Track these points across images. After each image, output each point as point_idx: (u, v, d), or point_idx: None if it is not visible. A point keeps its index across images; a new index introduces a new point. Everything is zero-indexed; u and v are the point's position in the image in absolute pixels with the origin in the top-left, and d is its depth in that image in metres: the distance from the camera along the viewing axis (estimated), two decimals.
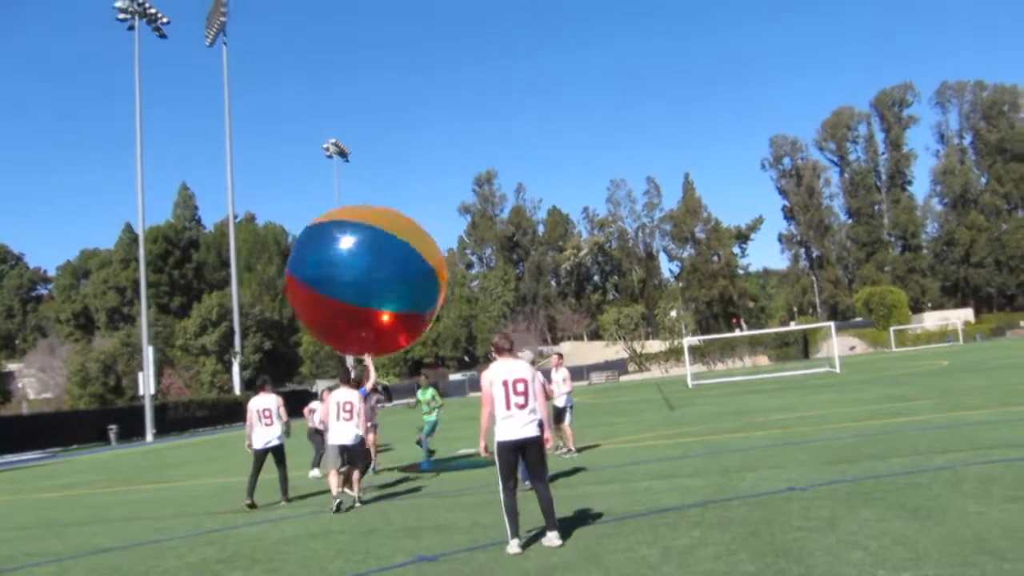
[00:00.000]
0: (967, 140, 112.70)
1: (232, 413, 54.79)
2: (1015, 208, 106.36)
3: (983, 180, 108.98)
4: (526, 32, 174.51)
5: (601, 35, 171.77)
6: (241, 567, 7.86)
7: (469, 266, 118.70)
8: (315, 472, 15.69)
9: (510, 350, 7.86)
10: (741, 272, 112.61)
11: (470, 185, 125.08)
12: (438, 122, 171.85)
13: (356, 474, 11.37)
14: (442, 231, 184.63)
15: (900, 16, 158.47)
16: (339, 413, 11.47)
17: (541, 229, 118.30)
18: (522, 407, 7.43)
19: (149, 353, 47.08)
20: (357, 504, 11.11)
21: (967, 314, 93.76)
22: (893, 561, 5.77)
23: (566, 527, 8.02)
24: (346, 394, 11.65)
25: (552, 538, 7.38)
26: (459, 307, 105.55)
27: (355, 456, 11.45)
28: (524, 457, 7.53)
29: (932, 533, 6.48)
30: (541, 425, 7.52)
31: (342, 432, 11.44)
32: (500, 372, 7.61)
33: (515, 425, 7.41)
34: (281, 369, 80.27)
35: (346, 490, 11.35)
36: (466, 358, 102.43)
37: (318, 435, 15.48)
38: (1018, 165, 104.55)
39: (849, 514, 7.54)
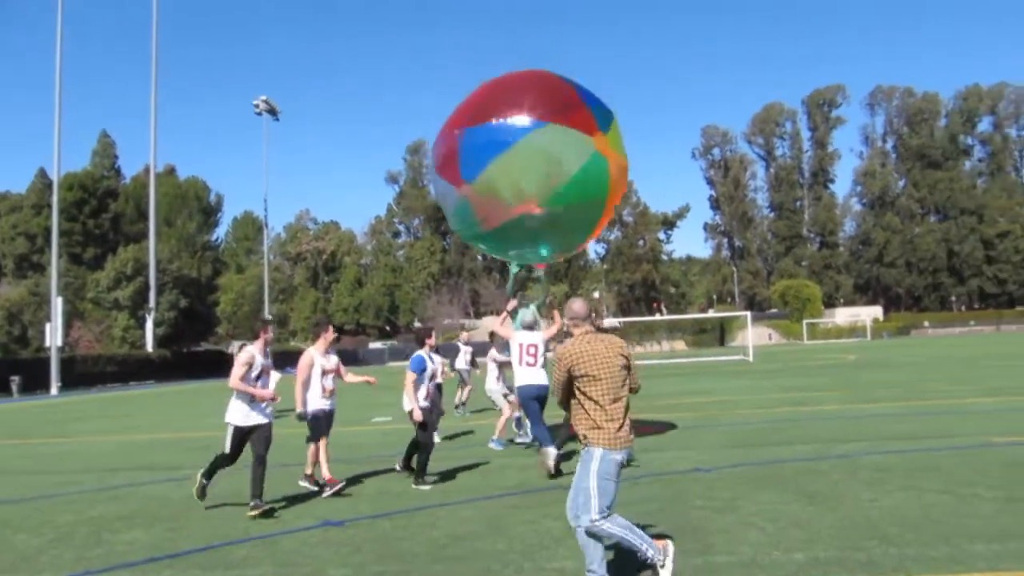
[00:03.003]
0: (890, 144, 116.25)
1: (143, 370, 53.37)
2: (928, 213, 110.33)
3: (901, 184, 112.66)
4: (464, 4, 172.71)
5: (542, 11, 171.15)
6: (141, 525, 7.68)
7: (396, 235, 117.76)
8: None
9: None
10: (665, 258, 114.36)
11: (400, 153, 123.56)
12: (371, 88, 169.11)
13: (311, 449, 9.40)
14: (369, 199, 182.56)
15: (837, 18, 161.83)
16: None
17: None
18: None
19: (58, 304, 45.47)
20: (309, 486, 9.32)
21: (876, 312, 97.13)
22: (787, 542, 5.96)
23: (477, 499, 8.08)
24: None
25: None
26: (383, 276, 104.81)
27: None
28: None
29: (827, 517, 6.71)
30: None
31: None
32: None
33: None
34: (196, 329, 78.47)
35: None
36: (387, 327, 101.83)
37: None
38: (934, 172, 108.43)
39: (750, 496, 7.75)
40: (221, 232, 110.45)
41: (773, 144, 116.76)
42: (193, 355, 64.66)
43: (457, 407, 17.79)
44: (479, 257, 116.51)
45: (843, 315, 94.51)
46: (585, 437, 5.04)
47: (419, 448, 9.30)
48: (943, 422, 12.86)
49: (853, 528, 6.29)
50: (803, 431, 12.41)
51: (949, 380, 21.93)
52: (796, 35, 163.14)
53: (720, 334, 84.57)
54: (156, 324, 61.15)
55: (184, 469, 11.13)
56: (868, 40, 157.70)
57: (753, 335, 54.84)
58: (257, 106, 70.92)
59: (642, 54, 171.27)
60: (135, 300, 70.17)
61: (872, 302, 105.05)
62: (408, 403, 9.21)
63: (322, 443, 9.07)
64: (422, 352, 9.50)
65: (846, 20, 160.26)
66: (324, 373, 9.03)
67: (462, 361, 17.77)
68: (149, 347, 59.08)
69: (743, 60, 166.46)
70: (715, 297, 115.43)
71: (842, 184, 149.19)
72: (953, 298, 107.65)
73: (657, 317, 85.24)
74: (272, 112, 72.02)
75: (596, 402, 5.02)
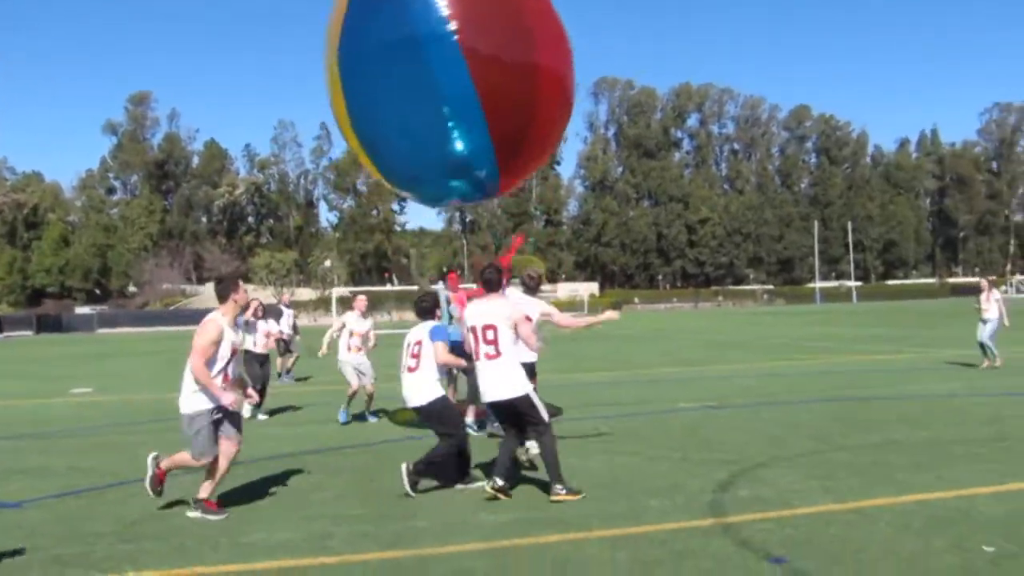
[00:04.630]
0: (611, 132, 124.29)
1: None
2: (642, 198, 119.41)
3: (620, 170, 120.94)
4: None
5: None
6: None
7: (110, 191, 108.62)
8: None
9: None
10: (398, 229, 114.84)
11: (120, 103, 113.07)
12: (88, 30, 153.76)
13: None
14: (80, 150, 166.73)
15: (572, 7, 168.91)
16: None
17: (196, 161, 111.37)
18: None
19: None
20: None
21: (593, 287, 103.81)
22: (490, 505, 6.22)
23: (181, 472, 7.66)
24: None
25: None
26: (94, 235, 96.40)
27: None
28: None
29: (527, 481, 7.07)
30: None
31: None
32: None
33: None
34: None
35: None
36: (97, 291, 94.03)
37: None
38: (648, 161, 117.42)
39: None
40: None
41: None
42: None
43: (280, 375, 16.76)
44: (203, 219, 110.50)
45: (564, 290, 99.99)
46: None
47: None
48: (640, 390, 14.03)
49: (549, 489, 6.67)
50: None
51: (650, 352, 23.93)
52: None
53: (447, 305, 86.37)
54: None
55: None
56: (596, 32, 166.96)
57: None
58: None
59: None
60: None
61: (590, 278, 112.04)
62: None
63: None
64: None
65: (581, 9, 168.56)
66: (232, 354, 6.34)
67: (285, 325, 16.29)
68: None
69: None
70: (445, 269, 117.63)
71: (567, 166, 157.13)
72: (660, 277, 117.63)
73: (388, 287, 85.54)
74: None
75: None
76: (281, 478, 7.38)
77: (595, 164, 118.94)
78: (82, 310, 78.60)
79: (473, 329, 6.66)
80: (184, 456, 6.32)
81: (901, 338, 25.44)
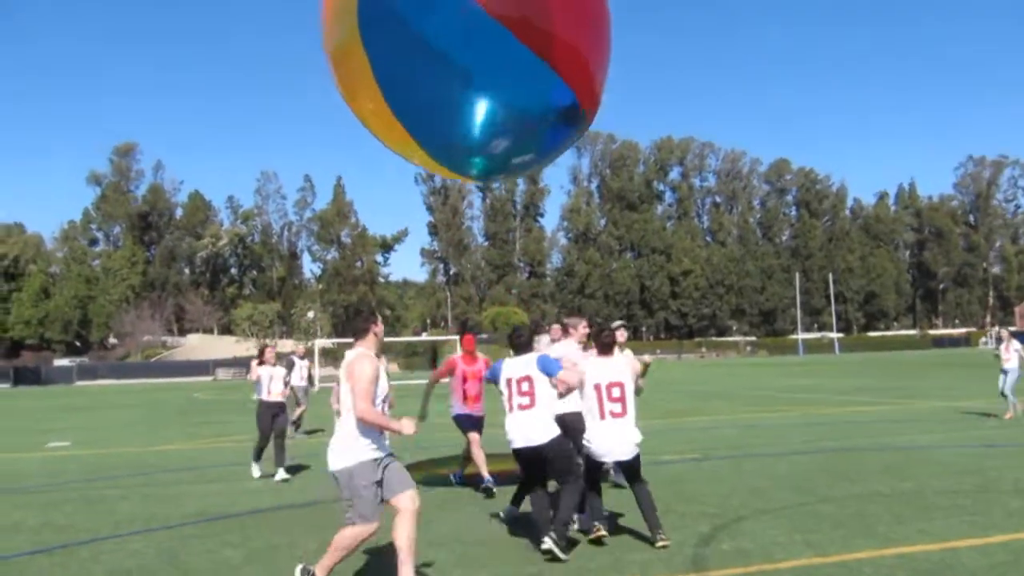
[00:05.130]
0: (594, 185, 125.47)
1: None
2: (625, 250, 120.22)
3: (602, 222, 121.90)
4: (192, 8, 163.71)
5: (278, 22, 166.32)
6: None
7: (93, 242, 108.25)
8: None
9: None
10: (382, 280, 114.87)
11: (105, 154, 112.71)
12: (78, 81, 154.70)
13: None
14: (65, 201, 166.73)
15: None
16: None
17: (179, 213, 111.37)
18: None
19: None
20: None
21: None
22: (474, 560, 6.15)
23: (152, 529, 7.55)
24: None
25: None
26: (75, 286, 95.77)
27: None
28: None
29: (511, 535, 6.99)
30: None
31: None
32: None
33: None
34: None
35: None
36: (77, 342, 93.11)
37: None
38: (631, 213, 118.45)
39: (443, 518, 7.91)
40: None
41: None
42: None
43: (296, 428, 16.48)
44: (186, 270, 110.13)
45: (547, 342, 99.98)
46: None
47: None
48: None
49: (526, 548, 6.59)
50: (498, 451, 12.86)
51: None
52: None
53: (432, 357, 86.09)
54: None
55: None
56: None
57: None
58: None
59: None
60: None
61: None
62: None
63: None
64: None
65: None
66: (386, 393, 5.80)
67: (297, 377, 15.91)
68: None
69: None
70: (429, 321, 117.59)
71: (551, 218, 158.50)
72: (644, 328, 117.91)
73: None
74: None
75: None
76: (255, 534, 7.27)
77: (578, 216, 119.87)
78: (61, 362, 77.78)
79: (597, 387, 6.74)
80: (344, 536, 5.45)
81: (884, 389, 25.50)
